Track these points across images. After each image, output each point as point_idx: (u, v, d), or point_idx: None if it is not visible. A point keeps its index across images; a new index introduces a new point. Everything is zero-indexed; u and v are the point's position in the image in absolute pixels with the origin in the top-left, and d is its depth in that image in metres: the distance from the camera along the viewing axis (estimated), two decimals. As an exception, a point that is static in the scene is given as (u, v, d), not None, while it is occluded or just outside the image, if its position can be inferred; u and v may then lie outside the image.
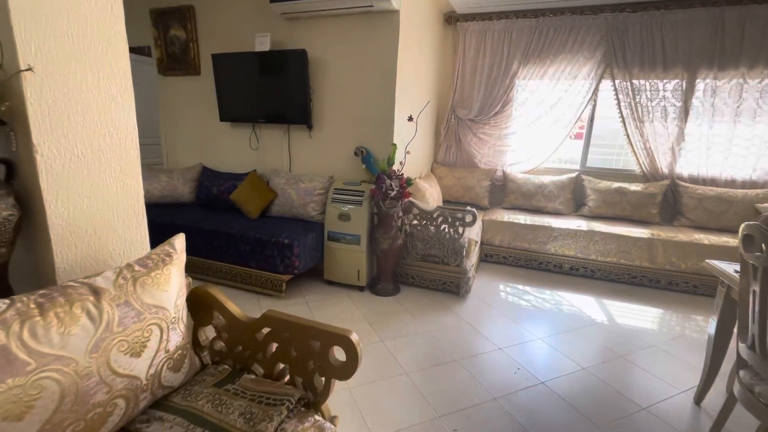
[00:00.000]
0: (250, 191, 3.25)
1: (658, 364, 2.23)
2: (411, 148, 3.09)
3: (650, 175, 3.75)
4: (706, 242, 3.11)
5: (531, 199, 3.98)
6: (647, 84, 3.58)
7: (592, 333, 2.57)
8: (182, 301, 1.09)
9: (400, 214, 2.99)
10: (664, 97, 3.56)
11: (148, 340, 0.95)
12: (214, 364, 1.26)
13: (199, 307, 1.23)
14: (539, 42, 3.82)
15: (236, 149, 3.62)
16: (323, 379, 1.11)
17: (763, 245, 1.26)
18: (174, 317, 1.04)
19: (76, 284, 0.88)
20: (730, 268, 1.74)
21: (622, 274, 3.37)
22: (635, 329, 2.64)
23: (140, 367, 0.93)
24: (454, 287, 3.02)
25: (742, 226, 1.38)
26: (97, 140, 1.04)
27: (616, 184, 3.72)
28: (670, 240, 3.19)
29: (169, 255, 1.08)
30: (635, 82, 3.61)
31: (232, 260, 2.96)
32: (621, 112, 3.72)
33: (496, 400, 1.89)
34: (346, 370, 1.06)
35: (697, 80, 3.44)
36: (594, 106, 3.90)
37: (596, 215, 3.76)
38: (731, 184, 3.51)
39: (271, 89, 3.20)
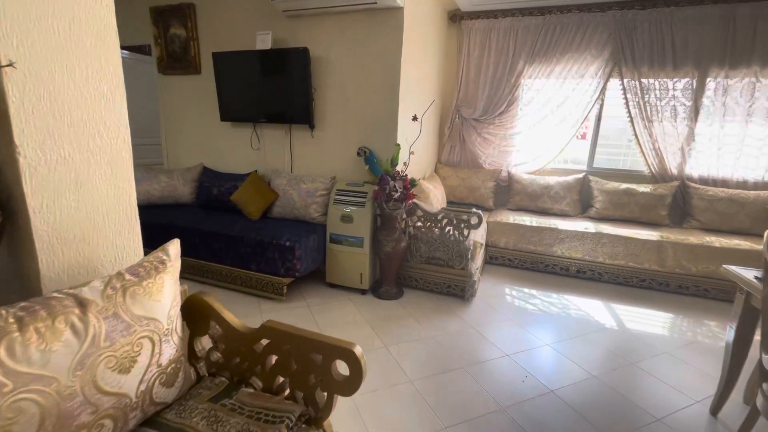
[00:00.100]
0: (251, 192, 3.20)
1: (671, 372, 2.16)
2: (415, 148, 3.02)
3: (659, 176, 3.67)
4: (717, 245, 3.03)
5: (537, 201, 3.90)
6: (656, 83, 3.50)
7: (602, 338, 2.50)
8: (176, 312, 1.03)
9: (404, 215, 2.93)
10: (673, 96, 3.48)
11: (139, 354, 0.89)
12: (211, 376, 1.20)
13: (194, 316, 1.17)
14: (545, 40, 3.74)
15: (237, 149, 3.57)
16: (325, 394, 1.05)
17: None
18: (167, 329, 0.98)
19: (60, 295, 0.82)
20: (749, 274, 1.67)
21: (631, 278, 3.29)
22: (645, 335, 2.56)
23: (129, 384, 0.87)
24: (459, 291, 2.95)
25: None
26: (85, 141, 0.98)
27: (624, 185, 3.65)
28: (680, 242, 3.11)
29: (162, 262, 1.02)
30: (644, 80, 3.53)
31: (232, 263, 2.90)
32: (629, 112, 3.64)
33: (504, 410, 1.82)
34: (350, 386, 1.00)
35: (708, 79, 3.36)
36: (601, 106, 3.82)
37: (603, 217, 3.69)
38: (743, 185, 3.43)
39: (273, 88, 3.15)
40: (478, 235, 3.12)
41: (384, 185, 2.70)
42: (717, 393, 1.82)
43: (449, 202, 4.12)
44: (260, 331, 1.10)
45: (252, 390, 1.12)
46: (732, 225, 3.30)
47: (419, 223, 2.99)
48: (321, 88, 3.11)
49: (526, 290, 3.21)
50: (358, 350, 0.99)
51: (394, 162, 2.81)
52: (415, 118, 2.90)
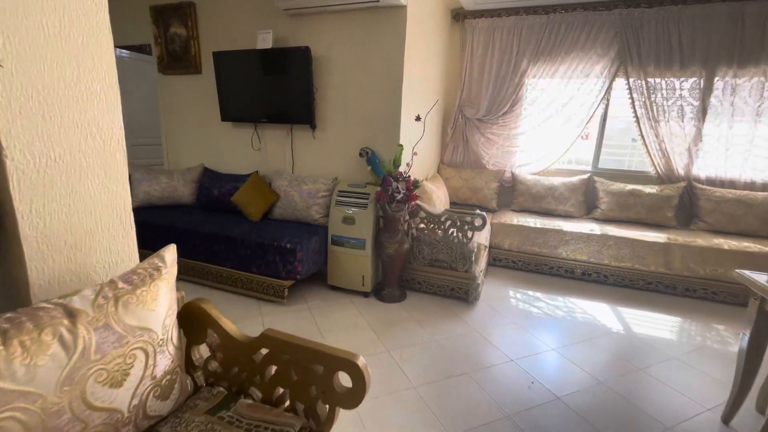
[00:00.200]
0: (252, 193, 3.16)
1: (681, 378, 2.10)
2: (418, 149, 2.98)
3: (665, 177, 3.62)
4: (726, 247, 2.98)
5: (541, 202, 3.85)
6: (663, 82, 3.45)
7: (608, 343, 2.45)
8: (172, 320, 0.99)
9: (407, 217, 2.88)
10: (680, 95, 3.42)
11: (131, 367, 0.85)
12: (209, 386, 1.15)
13: (192, 323, 1.13)
14: (550, 39, 3.69)
15: (238, 150, 3.53)
16: (327, 406, 1.01)
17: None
18: (162, 339, 0.94)
19: (48, 305, 0.78)
20: (762, 278, 1.62)
21: (637, 280, 3.24)
22: (653, 339, 2.51)
23: (121, 399, 0.83)
24: (462, 293, 2.90)
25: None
26: (77, 142, 0.94)
27: (629, 186, 3.59)
28: (687, 245, 3.06)
29: (157, 269, 0.98)
30: (650, 80, 3.47)
31: (232, 265, 2.86)
32: (635, 112, 3.58)
33: (509, 417, 1.78)
34: (353, 399, 0.96)
35: (716, 78, 3.30)
36: (607, 106, 3.77)
37: (609, 218, 3.64)
38: (751, 186, 3.37)
39: (274, 88, 3.10)
40: (482, 237, 3.08)
41: (386, 186, 2.66)
42: (729, 401, 1.77)
43: (452, 203, 4.07)
44: (259, 340, 1.06)
45: (251, 401, 1.08)
46: (740, 227, 3.25)
47: (422, 225, 2.95)
48: (323, 87, 3.07)
49: (530, 293, 3.16)
50: (361, 362, 0.95)
51: (396, 163, 2.77)
52: (418, 119, 2.85)
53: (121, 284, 0.89)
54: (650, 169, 3.70)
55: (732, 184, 3.43)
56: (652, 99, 3.49)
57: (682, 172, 3.56)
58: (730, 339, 2.53)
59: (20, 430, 0.66)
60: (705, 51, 3.28)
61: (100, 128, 0.98)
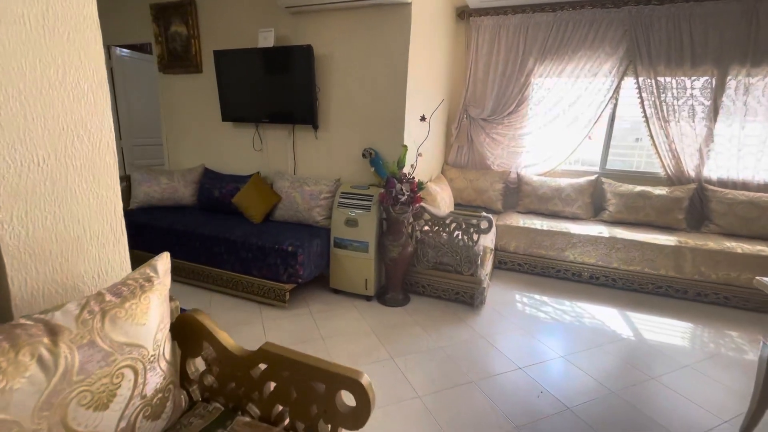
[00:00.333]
0: (253, 194, 3.10)
1: (695, 388, 2.03)
2: (422, 150, 2.91)
3: (675, 178, 3.54)
4: (738, 251, 2.89)
5: (547, 203, 3.78)
6: (673, 81, 3.36)
7: (618, 350, 2.38)
8: (164, 335, 0.93)
9: (411, 219, 2.82)
10: (691, 95, 3.34)
11: (119, 387, 0.79)
12: (204, 401, 1.09)
13: (187, 335, 1.07)
14: (557, 38, 3.61)
15: (239, 150, 3.47)
16: (329, 426, 0.95)
17: None
18: (153, 355, 0.88)
19: (28, 322, 0.72)
20: (784, 286, 1.55)
21: (646, 284, 3.16)
22: (665, 346, 2.44)
23: (107, 422, 0.77)
24: (467, 298, 2.84)
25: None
26: (62, 145, 0.88)
27: (638, 188, 3.51)
28: (699, 248, 2.98)
29: (149, 280, 0.92)
30: (660, 79, 3.39)
31: (233, 268, 2.80)
32: (644, 112, 3.50)
33: (518, 428, 1.71)
34: (357, 419, 0.90)
35: (728, 77, 3.22)
36: (615, 105, 3.69)
37: (617, 220, 3.56)
38: (764, 188, 3.28)
39: (276, 87, 3.05)
40: (488, 240, 3.01)
41: (390, 188, 2.59)
42: (749, 412, 1.69)
43: (456, 205, 4.00)
44: (257, 355, 1.00)
45: (248, 419, 1.02)
46: (753, 230, 3.16)
47: (426, 228, 2.89)
48: (325, 87, 3.00)
49: (537, 297, 3.09)
50: (365, 380, 0.88)
51: (400, 164, 2.71)
52: (423, 119, 2.79)
53: (108, 297, 0.83)
54: (659, 170, 3.62)
55: (744, 186, 3.34)
56: (662, 98, 3.41)
57: (692, 173, 3.48)
58: (745, 346, 2.45)
59: (-8, 462, 0.61)
60: (717, 49, 3.19)
61: (87, 130, 0.92)
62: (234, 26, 3.20)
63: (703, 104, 3.33)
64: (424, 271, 2.93)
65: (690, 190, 3.39)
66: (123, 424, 0.80)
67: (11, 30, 0.77)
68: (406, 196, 2.60)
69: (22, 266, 0.84)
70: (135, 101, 4.29)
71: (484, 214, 2.74)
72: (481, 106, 4.00)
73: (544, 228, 3.41)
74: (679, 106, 3.39)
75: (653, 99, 3.44)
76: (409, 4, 2.62)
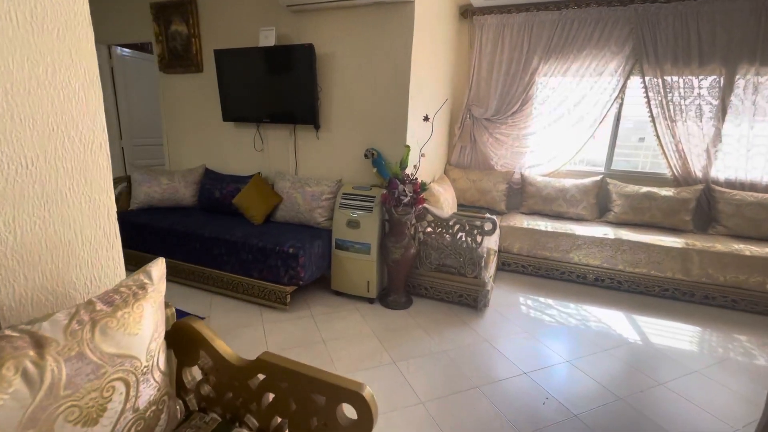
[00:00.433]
0: (254, 195, 3.07)
1: (705, 394, 1.98)
2: (425, 150, 2.87)
3: (682, 179, 3.48)
4: (747, 253, 2.84)
5: (551, 204, 3.73)
6: (681, 81, 3.31)
7: (626, 354, 2.34)
8: (158, 344, 0.89)
9: (414, 221, 2.78)
10: (699, 94, 3.28)
11: (109, 401, 0.76)
12: (201, 411, 1.06)
13: (183, 343, 1.03)
14: (562, 36, 3.57)
15: (240, 150, 3.44)
16: (329, 439, 0.91)
17: None
18: (146, 366, 0.84)
19: (13, 333, 0.69)
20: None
21: (652, 287, 3.11)
22: (673, 350, 2.39)
23: (97, 438, 0.74)
24: (471, 300, 2.80)
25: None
26: (53, 147, 0.84)
27: (644, 189, 3.46)
28: (706, 250, 2.92)
29: (142, 287, 0.88)
30: (667, 78, 3.33)
31: (233, 269, 2.77)
32: (651, 111, 3.45)
33: (524, 436, 1.67)
34: (358, 433, 0.86)
35: (737, 76, 3.16)
36: (621, 105, 3.64)
37: (622, 222, 3.51)
38: (773, 189, 3.23)
39: (277, 87, 3.01)
40: (491, 241, 2.97)
41: (393, 189, 2.56)
42: (762, 420, 1.64)
43: (459, 206, 3.96)
44: (255, 365, 0.96)
45: (246, 431, 0.98)
46: (761, 231, 3.11)
47: (429, 229, 2.84)
48: (327, 86, 2.97)
49: (541, 299, 3.04)
50: (367, 393, 0.85)
51: (403, 164, 2.67)
52: (426, 119, 2.74)
53: (99, 305, 0.80)
54: (665, 171, 3.56)
55: (753, 187, 3.28)
56: (669, 98, 3.36)
57: (699, 174, 3.42)
58: (755, 351, 2.41)
59: (-29, 485, 0.57)
60: (725, 48, 3.14)
61: (79, 131, 0.89)
62: (235, 25, 3.17)
63: (710, 104, 3.27)
64: (427, 273, 2.89)
65: (697, 191, 3.34)
66: (114, 440, 0.76)
67: (-3, 27, 0.74)
68: (408, 198, 2.56)
69: (10, 273, 0.80)
70: (135, 101, 4.26)
71: (488, 215, 2.70)
72: (485, 106, 3.96)
73: (549, 229, 3.36)
74: (686, 105, 3.33)
75: (660, 98, 3.38)
76: (412, 2, 2.58)
